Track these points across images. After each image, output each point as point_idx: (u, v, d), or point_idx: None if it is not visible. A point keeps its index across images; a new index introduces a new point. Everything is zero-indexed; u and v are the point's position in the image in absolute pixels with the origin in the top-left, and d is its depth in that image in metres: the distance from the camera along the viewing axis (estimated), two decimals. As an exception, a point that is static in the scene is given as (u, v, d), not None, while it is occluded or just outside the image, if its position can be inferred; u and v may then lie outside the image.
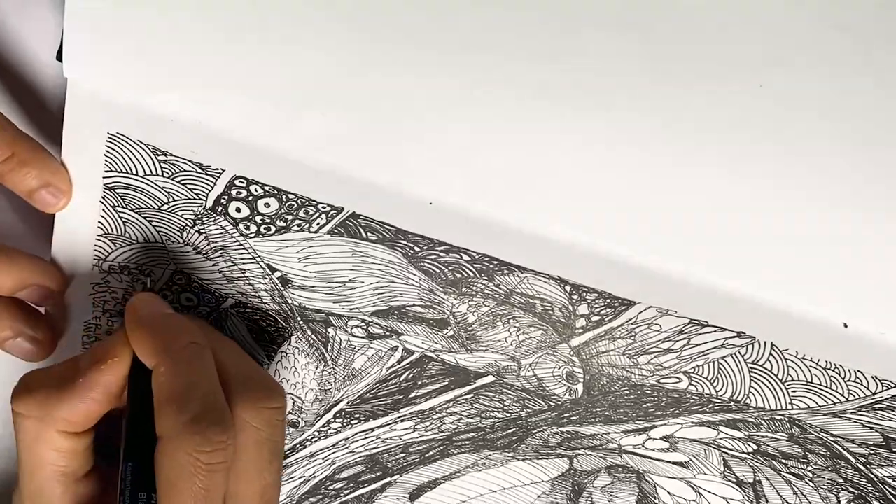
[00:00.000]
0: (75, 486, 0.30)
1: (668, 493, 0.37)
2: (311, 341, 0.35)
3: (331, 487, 0.39)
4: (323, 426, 0.37)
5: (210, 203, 0.32)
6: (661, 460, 0.36)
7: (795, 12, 0.26)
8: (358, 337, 0.34)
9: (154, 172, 0.31)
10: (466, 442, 0.37)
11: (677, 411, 0.34)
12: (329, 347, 0.35)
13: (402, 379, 0.36)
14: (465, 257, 0.31)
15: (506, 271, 0.32)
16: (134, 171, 0.31)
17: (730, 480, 0.36)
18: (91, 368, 0.29)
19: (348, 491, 0.39)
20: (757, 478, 0.36)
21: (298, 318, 0.34)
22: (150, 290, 0.34)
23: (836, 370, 0.32)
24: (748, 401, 0.34)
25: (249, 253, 0.33)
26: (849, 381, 0.32)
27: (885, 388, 0.32)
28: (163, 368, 0.28)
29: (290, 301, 0.34)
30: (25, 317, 0.33)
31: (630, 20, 0.27)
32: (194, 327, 0.30)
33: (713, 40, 0.27)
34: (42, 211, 0.32)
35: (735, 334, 0.32)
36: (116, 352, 0.30)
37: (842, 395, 0.33)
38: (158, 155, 0.31)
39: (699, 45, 0.27)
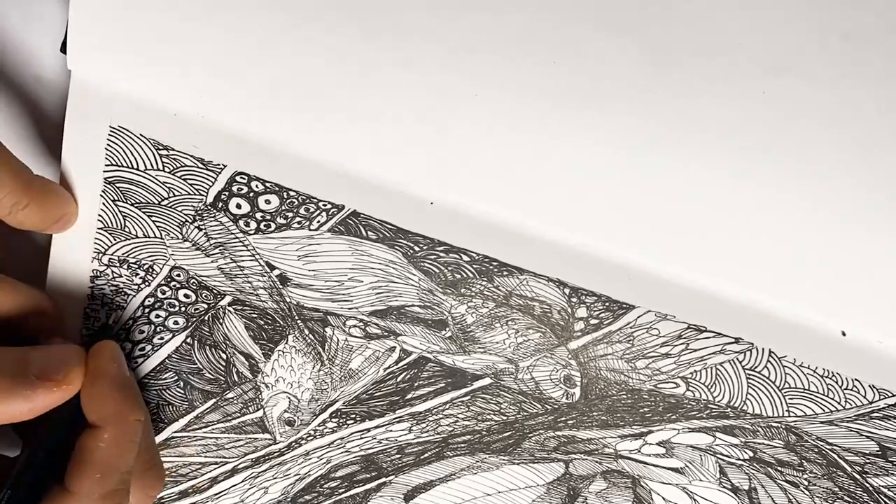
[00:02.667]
0: None
1: (664, 498, 0.37)
2: (309, 340, 0.35)
3: (325, 486, 0.39)
4: (319, 425, 0.37)
5: (210, 199, 0.32)
6: (657, 466, 0.36)
7: (799, 20, 0.26)
8: (355, 337, 0.34)
9: (155, 167, 0.31)
10: (462, 444, 0.37)
11: (674, 416, 0.34)
12: (326, 347, 0.35)
13: (399, 380, 0.35)
14: (465, 258, 0.31)
15: (505, 273, 0.32)
16: (135, 166, 0.31)
17: (725, 487, 0.36)
18: (41, 382, 0.29)
19: (343, 490, 0.39)
20: (752, 485, 0.36)
21: (296, 317, 0.34)
22: (109, 326, 0.35)
23: (834, 378, 0.32)
24: (745, 407, 0.33)
25: (249, 250, 0.33)
26: (846, 389, 0.32)
27: (882, 397, 0.32)
28: (107, 436, 0.29)
29: (288, 299, 0.34)
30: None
31: (633, 23, 0.27)
32: (141, 398, 0.32)
33: (716, 45, 0.27)
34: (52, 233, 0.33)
35: (733, 340, 0.32)
36: (72, 377, 0.30)
37: (839, 404, 0.33)
38: (160, 149, 0.31)
39: (702, 50, 0.27)
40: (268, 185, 0.31)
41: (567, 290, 0.32)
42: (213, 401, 0.37)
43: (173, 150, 0.31)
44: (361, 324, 0.34)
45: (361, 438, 0.37)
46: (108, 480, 0.29)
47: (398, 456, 0.38)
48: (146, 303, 0.35)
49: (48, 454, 0.30)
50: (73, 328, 0.35)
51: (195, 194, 0.32)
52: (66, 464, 0.30)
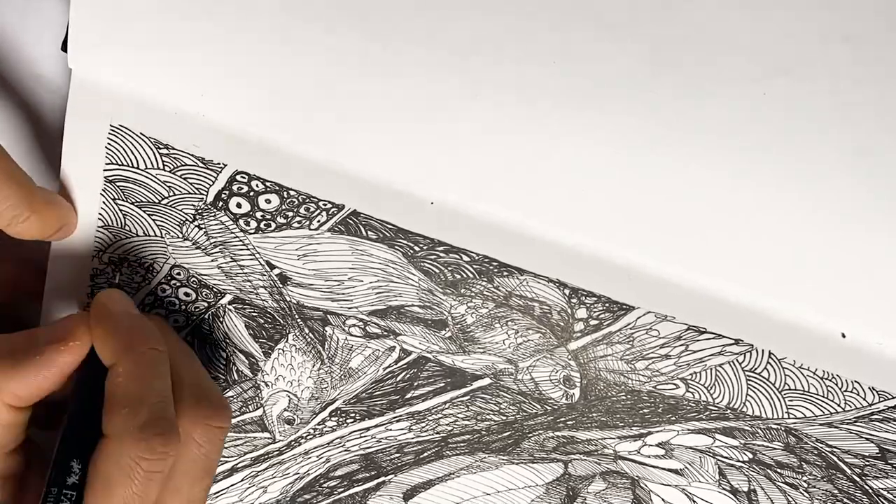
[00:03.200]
0: (3, 459, 0.31)
1: (663, 500, 0.37)
2: (309, 339, 0.35)
3: (325, 485, 0.39)
4: (318, 424, 0.37)
5: (211, 198, 0.32)
6: (656, 467, 0.36)
7: (800, 22, 0.26)
8: (355, 336, 0.34)
9: (155, 166, 0.31)
10: (461, 444, 0.37)
11: (674, 418, 0.34)
12: (326, 346, 0.35)
13: (398, 379, 0.36)
14: (465, 258, 0.31)
15: (505, 273, 0.32)
16: (135, 165, 0.31)
17: (724, 489, 0.36)
18: (50, 346, 0.29)
19: (342, 489, 0.39)
20: (752, 486, 0.36)
21: (296, 316, 0.34)
22: (118, 285, 0.34)
23: (834, 380, 0.32)
24: (745, 409, 0.33)
25: (249, 249, 0.33)
26: (846, 391, 0.32)
27: (882, 400, 0.32)
28: (121, 369, 0.29)
29: (288, 298, 0.34)
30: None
31: (634, 24, 0.27)
32: (156, 332, 0.31)
33: (717, 46, 0.27)
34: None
35: (733, 341, 0.32)
36: (78, 335, 0.30)
37: (838, 406, 0.33)
38: (160, 148, 0.31)
39: (703, 50, 0.27)
40: (268, 184, 0.31)
41: (567, 291, 0.32)
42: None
43: (174, 148, 0.31)
44: (361, 323, 0.34)
45: (361, 437, 0.37)
46: (138, 412, 0.28)
47: (397, 455, 0.38)
48: (146, 301, 0.35)
49: (80, 408, 0.30)
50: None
51: (195, 193, 0.32)
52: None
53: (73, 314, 0.32)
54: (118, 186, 0.32)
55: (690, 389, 0.33)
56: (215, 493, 0.39)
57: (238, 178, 0.31)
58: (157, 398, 0.29)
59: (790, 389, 0.33)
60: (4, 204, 0.29)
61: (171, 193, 0.32)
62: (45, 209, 0.31)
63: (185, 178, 0.31)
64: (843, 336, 0.31)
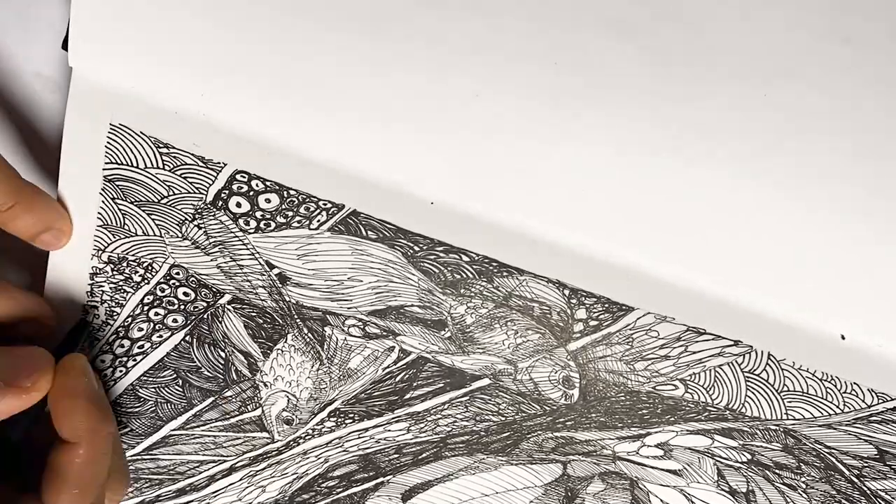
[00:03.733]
0: None
1: (661, 500, 0.37)
2: (308, 340, 0.35)
3: (323, 485, 0.39)
4: (317, 424, 0.37)
5: (210, 197, 0.32)
6: (655, 468, 0.36)
7: (800, 24, 0.26)
8: (354, 336, 0.34)
9: (155, 165, 0.31)
10: (460, 445, 0.37)
11: (672, 419, 0.34)
12: (325, 346, 0.35)
13: (397, 380, 0.35)
14: (465, 258, 0.31)
15: (505, 273, 0.32)
16: (135, 164, 0.31)
17: (723, 490, 0.36)
18: (9, 388, 0.29)
19: (340, 489, 0.39)
20: (750, 487, 0.36)
21: (295, 316, 0.34)
22: (108, 324, 0.34)
23: (833, 381, 0.32)
24: (744, 410, 0.33)
25: (248, 249, 0.33)
26: (845, 392, 0.32)
27: (880, 401, 0.32)
28: (82, 451, 0.29)
29: (287, 298, 0.34)
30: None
31: (634, 25, 0.27)
32: (110, 410, 0.31)
33: (718, 48, 0.27)
34: (44, 248, 0.33)
35: (732, 343, 0.32)
36: (39, 386, 0.29)
37: (837, 407, 0.33)
38: (160, 147, 0.31)
39: (704, 52, 0.27)
40: (268, 183, 0.31)
41: (567, 292, 0.32)
42: (212, 399, 0.37)
43: (173, 148, 0.30)
44: (360, 323, 0.34)
45: (359, 438, 0.37)
46: (86, 495, 0.29)
47: (396, 456, 0.38)
48: (145, 301, 0.35)
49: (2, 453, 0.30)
50: (71, 324, 0.35)
51: (195, 192, 0.31)
52: (18, 464, 0.30)
53: (36, 351, 0.30)
54: (118, 185, 0.32)
55: (689, 390, 0.33)
56: (215, 492, 0.39)
57: (238, 177, 0.31)
58: (101, 482, 0.30)
59: (789, 391, 0.33)
60: None
61: (171, 193, 0.32)
62: (31, 201, 0.30)
63: (184, 178, 0.31)
64: (843, 338, 0.31)
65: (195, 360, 0.36)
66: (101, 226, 0.33)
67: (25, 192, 0.30)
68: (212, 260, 0.33)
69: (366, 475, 0.38)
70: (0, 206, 0.30)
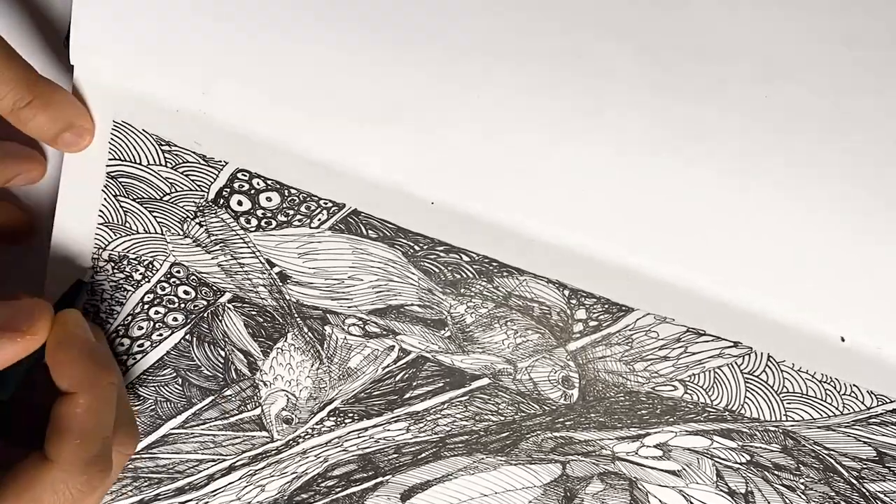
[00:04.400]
0: None
1: (660, 501, 0.37)
2: (308, 338, 0.35)
3: (322, 485, 0.39)
4: (316, 423, 0.37)
5: (212, 195, 0.32)
6: (654, 468, 0.36)
7: (801, 26, 0.26)
8: (354, 335, 0.34)
9: (157, 162, 0.31)
10: (460, 444, 0.37)
11: (672, 419, 0.34)
12: (325, 345, 0.35)
13: (397, 379, 0.35)
14: (465, 258, 0.31)
15: (505, 273, 0.32)
16: (137, 161, 0.31)
17: (722, 490, 0.36)
18: (6, 332, 0.28)
19: (340, 489, 0.39)
20: (749, 488, 0.36)
21: (296, 315, 0.34)
22: (88, 286, 0.34)
23: (832, 383, 0.32)
24: (743, 411, 0.33)
25: (249, 247, 0.33)
26: (844, 394, 0.32)
27: (880, 403, 0.32)
28: (82, 401, 0.29)
29: (288, 297, 0.34)
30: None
31: (635, 26, 0.27)
32: (113, 361, 0.31)
33: (718, 49, 0.27)
34: (67, 151, 0.31)
35: (732, 344, 0.32)
36: (37, 330, 0.29)
37: (837, 409, 0.33)
38: (162, 145, 0.31)
39: (704, 53, 0.27)
40: (269, 182, 0.31)
41: (566, 292, 0.32)
42: (212, 398, 0.37)
43: (176, 146, 0.31)
44: (361, 322, 0.34)
45: (359, 437, 0.37)
46: (89, 446, 0.28)
47: (395, 455, 0.38)
48: (145, 299, 0.35)
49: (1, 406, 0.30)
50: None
51: (197, 190, 0.32)
52: (16, 419, 0.29)
53: (34, 301, 0.30)
54: (120, 182, 0.32)
55: (689, 391, 0.33)
56: (214, 491, 0.39)
57: (239, 175, 0.31)
58: (106, 433, 0.29)
59: (788, 392, 0.33)
60: (6, 87, 0.28)
61: (173, 190, 0.32)
62: (49, 96, 0.29)
63: (186, 175, 0.31)
64: (843, 340, 0.31)
65: (195, 358, 0.36)
66: (102, 223, 0.33)
67: (43, 87, 0.29)
68: (213, 258, 0.33)
69: (365, 475, 0.38)
70: (17, 103, 0.29)
